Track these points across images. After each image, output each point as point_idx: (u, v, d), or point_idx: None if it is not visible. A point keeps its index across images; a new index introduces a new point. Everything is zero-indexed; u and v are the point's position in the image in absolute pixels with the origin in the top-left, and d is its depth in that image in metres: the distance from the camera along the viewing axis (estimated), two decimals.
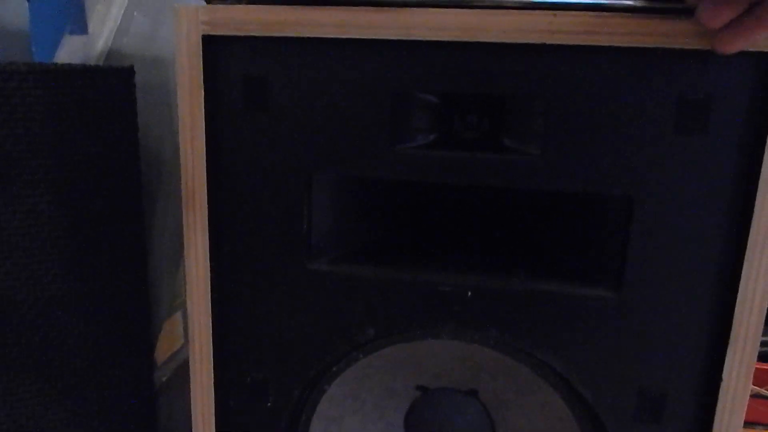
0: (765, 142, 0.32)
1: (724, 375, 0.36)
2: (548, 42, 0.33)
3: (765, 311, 0.35)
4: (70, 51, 0.53)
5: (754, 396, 0.85)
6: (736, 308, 0.35)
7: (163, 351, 0.68)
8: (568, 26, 0.33)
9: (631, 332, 0.37)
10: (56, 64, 0.40)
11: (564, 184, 0.36)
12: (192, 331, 0.41)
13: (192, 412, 0.43)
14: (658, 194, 0.35)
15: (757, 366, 0.93)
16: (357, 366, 0.44)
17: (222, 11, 0.36)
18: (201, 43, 0.36)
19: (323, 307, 0.41)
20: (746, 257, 0.34)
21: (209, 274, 0.40)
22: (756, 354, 0.35)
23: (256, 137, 0.38)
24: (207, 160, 0.38)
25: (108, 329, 0.49)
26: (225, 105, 0.38)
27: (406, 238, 0.47)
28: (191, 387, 0.42)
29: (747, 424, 0.91)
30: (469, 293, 0.38)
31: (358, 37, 0.35)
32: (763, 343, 0.90)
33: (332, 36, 0.36)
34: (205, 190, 0.38)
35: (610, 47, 0.33)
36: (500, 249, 0.46)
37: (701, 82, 0.33)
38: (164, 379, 0.69)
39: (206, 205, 0.38)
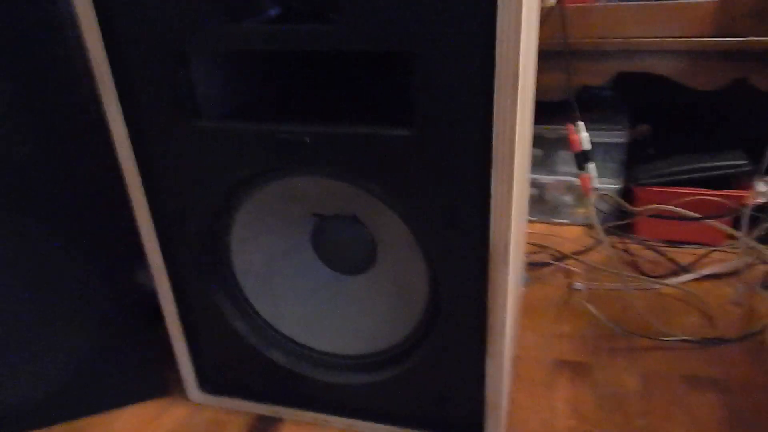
0: None
1: (492, 191, 0.47)
2: None
3: (514, 141, 0.44)
4: None
5: (683, 218, 0.94)
6: (493, 139, 0.44)
7: None
8: None
9: (427, 160, 0.48)
10: None
11: (359, 44, 0.45)
12: (125, 176, 0.56)
13: (142, 236, 0.60)
14: (433, 49, 0.43)
15: (666, 189, 0.99)
16: (253, 199, 0.58)
17: None
18: None
19: (209, 154, 0.54)
20: (495, 99, 0.43)
21: (127, 137, 0.54)
22: (512, 176, 0.45)
23: (128, 16, 0.49)
24: (104, 46, 0.50)
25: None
26: None
27: (273, 97, 0.58)
28: (136, 216, 0.58)
29: (674, 243, 1.01)
30: (307, 139, 0.50)
31: None
32: (696, 170, 0.95)
33: None
34: (108, 69, 0.51)
35: None
36: (337, 102, 0.56)
37: None
38: None
39: (112, 79, 0.51)
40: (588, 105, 1.11)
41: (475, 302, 0.53)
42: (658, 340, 0.77)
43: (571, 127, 0.79)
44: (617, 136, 1.02)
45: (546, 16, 0.87)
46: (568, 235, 1.08)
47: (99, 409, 0.68)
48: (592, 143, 1.05)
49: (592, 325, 0.82)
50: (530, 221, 1.14)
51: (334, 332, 0.66)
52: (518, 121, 0.44)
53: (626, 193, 1.03)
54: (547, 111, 1.00)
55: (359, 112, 0.52)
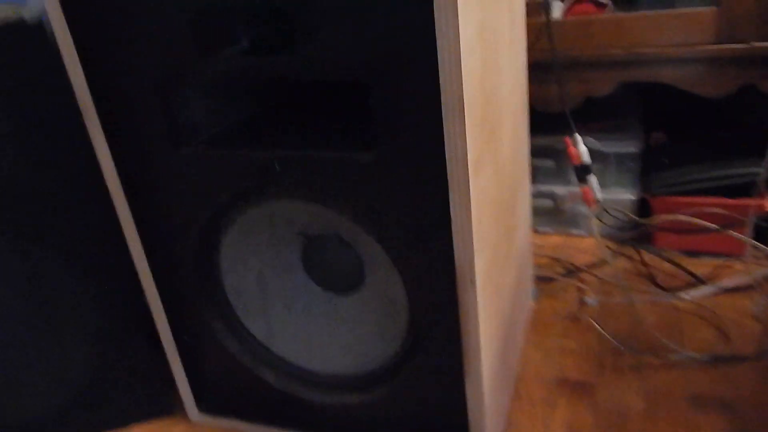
0: None
1: (452, 214, 0.47)
2: None
3: (467, 165, 0.44)
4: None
5: (696, 230, 0.90)
6: (447, 164, 0.45)
7: None
8: None
9: (390, 184, 0.48)
10: None
11: (316, 74, 0.46)
12: (114, 202, 0.59)
13: (133, 258, 0.63)
14: (383, 78, 0.44)
15: (682, 199, 0.96)
16: (239, 221, 0.60)
17: None
18: None
19: (190, 180, 0.56)
20: (444, 123, 0.43)
21: (114, 165, 0.57)
22: (470, 199, 0.45)
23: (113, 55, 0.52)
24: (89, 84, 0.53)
25: None
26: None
27: (252, 123, 0.60)
28: (127, 239, 0.61)
29: (692, 253, 0.97)
30: (277, 164, 0.51)
31: None
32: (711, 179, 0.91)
33: None
34: (92, 101, 0.54)
35: None
36: (311, 126, 0.57)
37: None
38: None
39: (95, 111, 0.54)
40: (599, 114, 1.09)
41: (450, 324, 0.53)
42: (667, 358, 0.74)
43: (568, 140, 0.78)
44: (630, 146, 0.99)
45: (542, 29, 0.86)
46: (584, 247, 1.05)
47: (104, 428, 0.71)
48: (605, 153, 1.03)
49: (600, 342, 0.79)
50: (546, 233, 1.12)
51: (325, 352, 0.67)
52: (471, 144, 0.44)
53: (642, 204, 1.00)
54: (557, 122, 0.98)
55: (329, 137, 0.53)
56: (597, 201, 0.80)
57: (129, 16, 0.50)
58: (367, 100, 0.47)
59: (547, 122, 0.97)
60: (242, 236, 0.62)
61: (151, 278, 0.63)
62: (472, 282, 0.49)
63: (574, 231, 1.10)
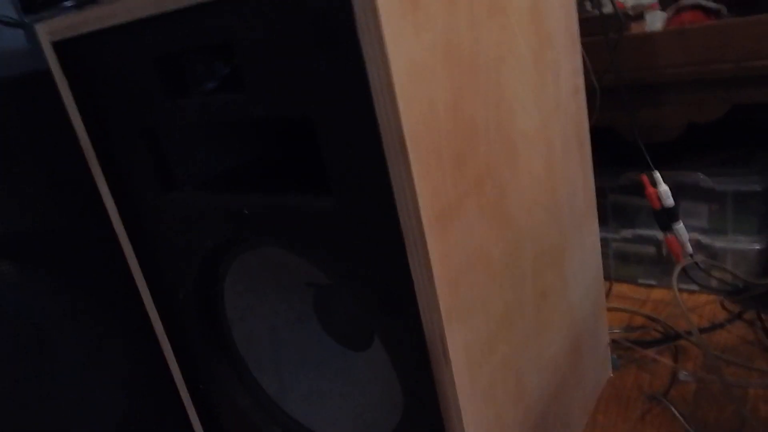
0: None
1: (413, 274, 0.38)
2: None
3: (420, 217, 0.35)
4: None
5: None
6: (399, 215, 0.36)
7: None
8: None
9: (350, 235, 0.41)
10: None
11: (263, 111, 0.40)
12: (122, 247, 0.59)
13: (143, 298, 0.62)
14: (326, 116, 0.37)
15: None
16: (236, 268, 0.56)
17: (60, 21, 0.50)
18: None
19: (183, 224, 0.53)
20: (389, 168, 0.35)
21: (116, 208, 0.56)
22: (428, 255, 0.36)
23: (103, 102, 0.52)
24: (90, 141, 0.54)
25: None
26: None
27: (235, 168, 0.56)
28: (137, 284, 0.61)
29: None
30: (246, 210, 0.47)
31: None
32: None
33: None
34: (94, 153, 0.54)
35: None
36: (290, 171, 0.51)
37: None
38: None
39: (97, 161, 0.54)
40: (713, 144, 0.89)
41: (431, 408, 0.44)
42: None
43: (645, 178, 0.63)
44: (753, 182, 0.79)
45: (622, 46, 0.72)
46: (693, 306, 0.86)
47: None
48: (720, 192, 0.84)
49: None
50: (648, 286, 0.94)
51: (335, 417, 0.60)
52: (433, 189, 0.35)
53: None
54: (661, 153, 0.82)
55: (302, 184, 0.47)
56: (688, 254, 0.64)
57: (110, 65, 0.49)
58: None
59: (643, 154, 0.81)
60: (245, 283, 0.58)
61: (161, 326, 0.62)
62: (447, 360, 0.40)
63: (683, 285, 0.91)
